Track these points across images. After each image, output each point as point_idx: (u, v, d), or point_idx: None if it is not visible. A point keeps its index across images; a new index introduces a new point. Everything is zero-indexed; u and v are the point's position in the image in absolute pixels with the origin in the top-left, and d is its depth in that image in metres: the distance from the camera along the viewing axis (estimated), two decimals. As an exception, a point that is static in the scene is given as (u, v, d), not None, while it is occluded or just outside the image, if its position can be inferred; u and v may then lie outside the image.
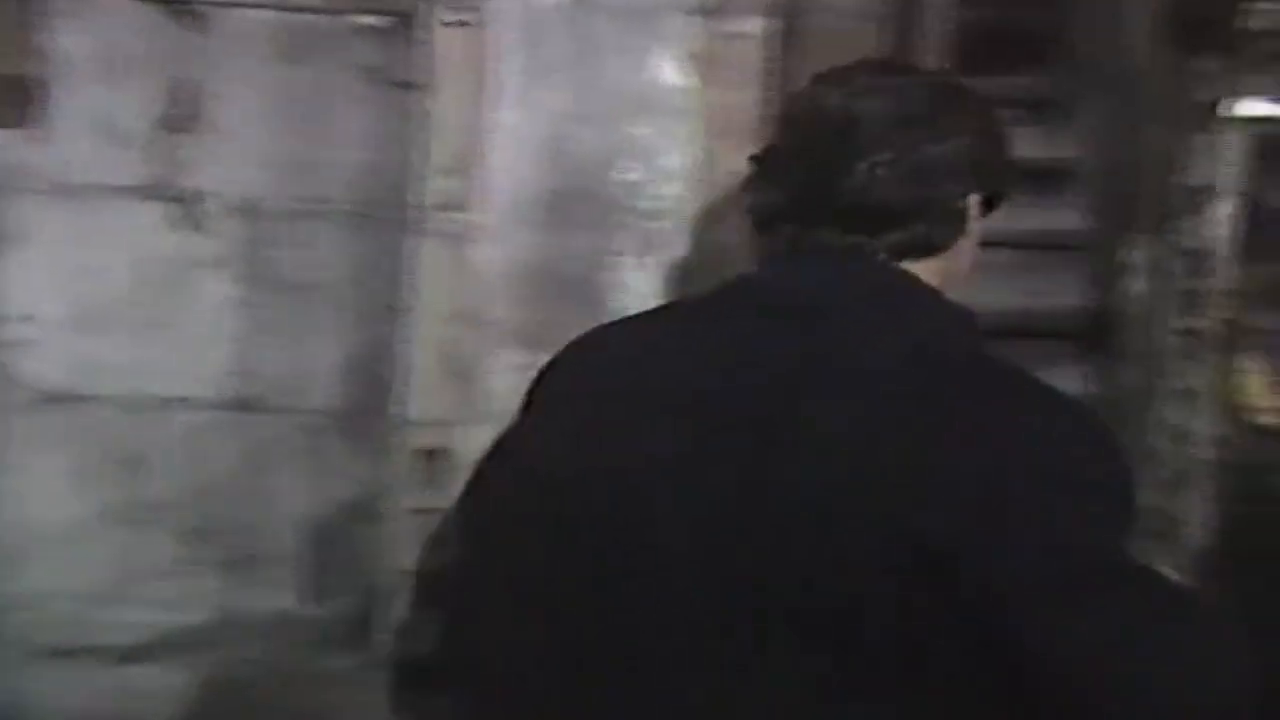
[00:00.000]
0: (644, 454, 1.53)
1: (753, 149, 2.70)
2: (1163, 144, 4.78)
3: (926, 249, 1.62)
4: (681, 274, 2.68)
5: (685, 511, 1.47)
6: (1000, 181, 1.74)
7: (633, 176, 2.66)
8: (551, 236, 2.67)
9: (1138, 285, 4.68)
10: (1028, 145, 5.27)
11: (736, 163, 2.73)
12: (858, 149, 1.58)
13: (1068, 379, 4.49)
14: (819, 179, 1.60)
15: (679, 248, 2.66)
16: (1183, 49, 4.62)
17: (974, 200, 1.66)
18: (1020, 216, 5.17)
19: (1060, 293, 4.74)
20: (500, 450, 1.80)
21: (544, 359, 2.76)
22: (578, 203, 2.66)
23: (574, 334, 2.76)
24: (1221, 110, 4.51)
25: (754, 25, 2.63)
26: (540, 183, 2.66)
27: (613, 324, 1.86)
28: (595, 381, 1.74)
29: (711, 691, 1.43)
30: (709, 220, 2.68)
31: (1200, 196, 3.30)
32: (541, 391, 1.88)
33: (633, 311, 2.70)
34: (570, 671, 1.50)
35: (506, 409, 2.75)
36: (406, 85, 2.72)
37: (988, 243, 4.88)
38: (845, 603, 1.38)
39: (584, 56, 2.63)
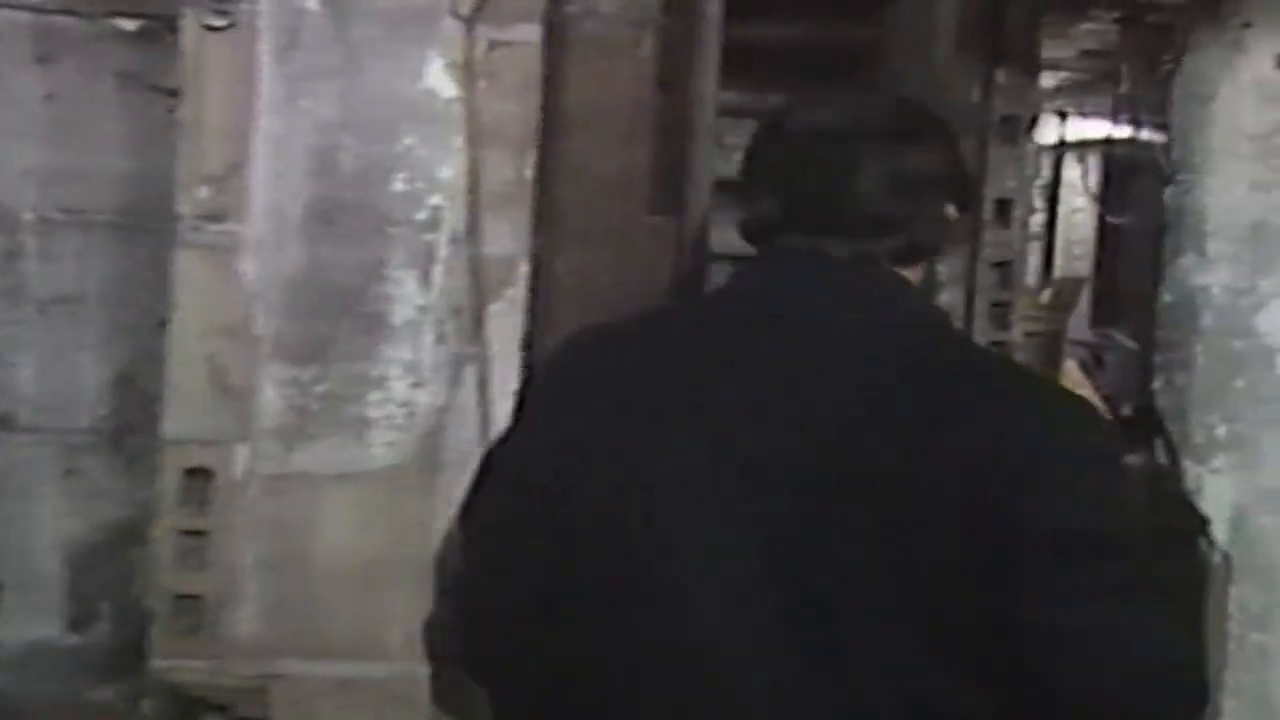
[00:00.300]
0: (682, 461, 1.59)
1: (525, 158, 2.70)
2: (968, 157, 4.88)
3: (918, 255, 1.73)
4: (456, 286, 2.64)
5: (732, 513, 1.54)
6: (966, 193, 1.84)
7: (402, 187, 2.58)
8: (320, 248, 2.58)
9: (945, 298, 4.76)
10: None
11: (510, 172, 2.71)
12: (855, 162, 1.67)
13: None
14: (820, 191, 1.68)
15: (452, 259, 2.60)
16: (986, 63, 4.72)
17: (950, 209, 1.73)
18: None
19: None
20: (506, 455, 1.77)
21: (314, 374, 2.73)
22: (346, 214, 2.58)
23: (345, 349, 2.70)
24: (1024, 124, 4.61)
25: (526, 32, 2.58)
26: (307, 193, 2.57)
27: (608, 329, 1.82)
28: (612, 385, 1.72)
29: (770, 683, 1.53)
30: (483, 231, 2.64)
31: (1005, 209, 3.32)
32: (544, 396, 1.83)
33: (416, 323, 2.68)
34: (607, 672, 1.57)
35: (275, 426, 2.69)
36: (167, 91, 2.63)
37: None
38: (912, 583, 1.51)
39: (349, 63, 2.54)
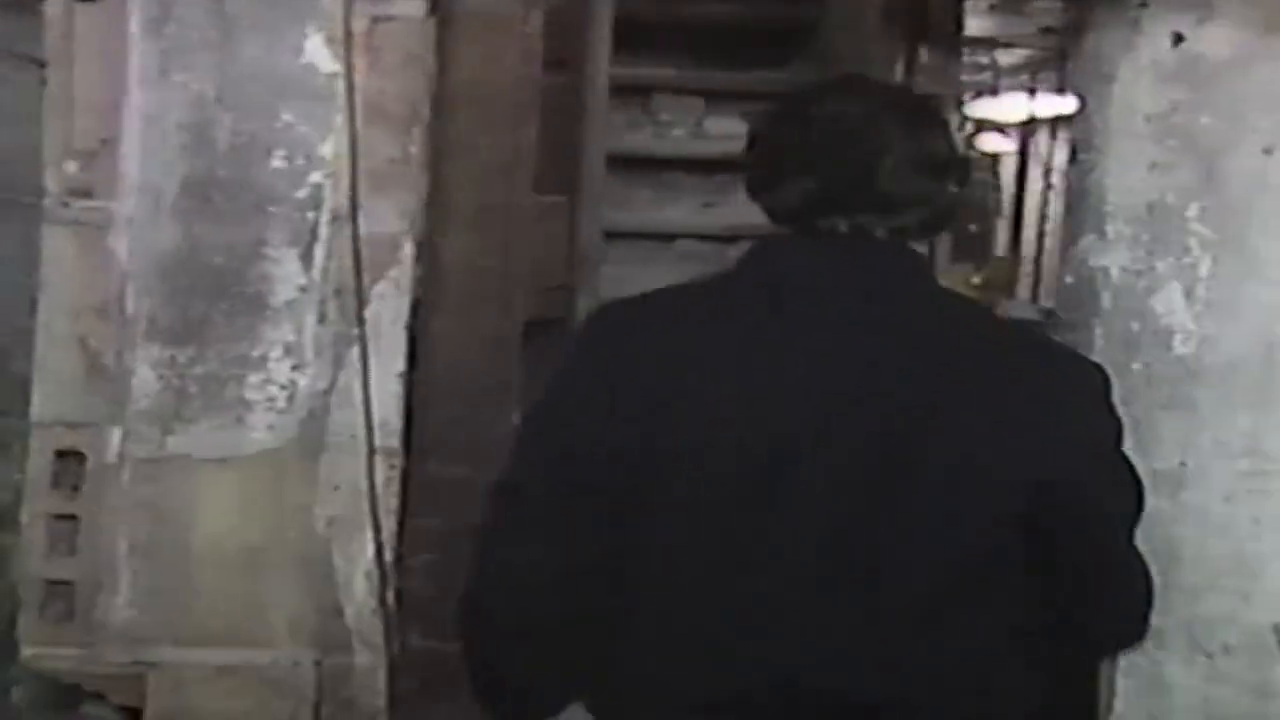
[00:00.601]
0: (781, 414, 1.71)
1: (409, 136, 2.65)
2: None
3: (936, 230, 1.87)
4: (337, 266, 2.58)
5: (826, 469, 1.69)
6: (966, 172, 1.96)
7: (281, 164, 2.52)
8: (196, 226, 2.52)
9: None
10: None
11: (393, 150, 2.65)
12: (887, 144, 1.78)
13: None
14: (857, 172, 1.78)
15: (334, 238, 2.53)
16: (909, 43, 4.69)
17: (954, 188, 1.86)
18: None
19: None
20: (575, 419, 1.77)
21: (190, 355, 2.66)
22: (223, 191, 2.52)
23: (223, 329, 2.62)
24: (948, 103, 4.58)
25: (409, 7, 2.52)
26: (182, 170, 2.51)
27: (662, 298, 1.83)
28: (695, 346, 1.77)
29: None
30: (366, 210, 2.58)
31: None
32: (618, 350, 1.79)
33: (297, 303, 2.62)
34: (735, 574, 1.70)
35: (150, 409, 2.63)
36: (38, 62, 2.58)
37: (732, 237, 4.98)
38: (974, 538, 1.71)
39: (225, 36, 2.48)
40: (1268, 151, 2.50)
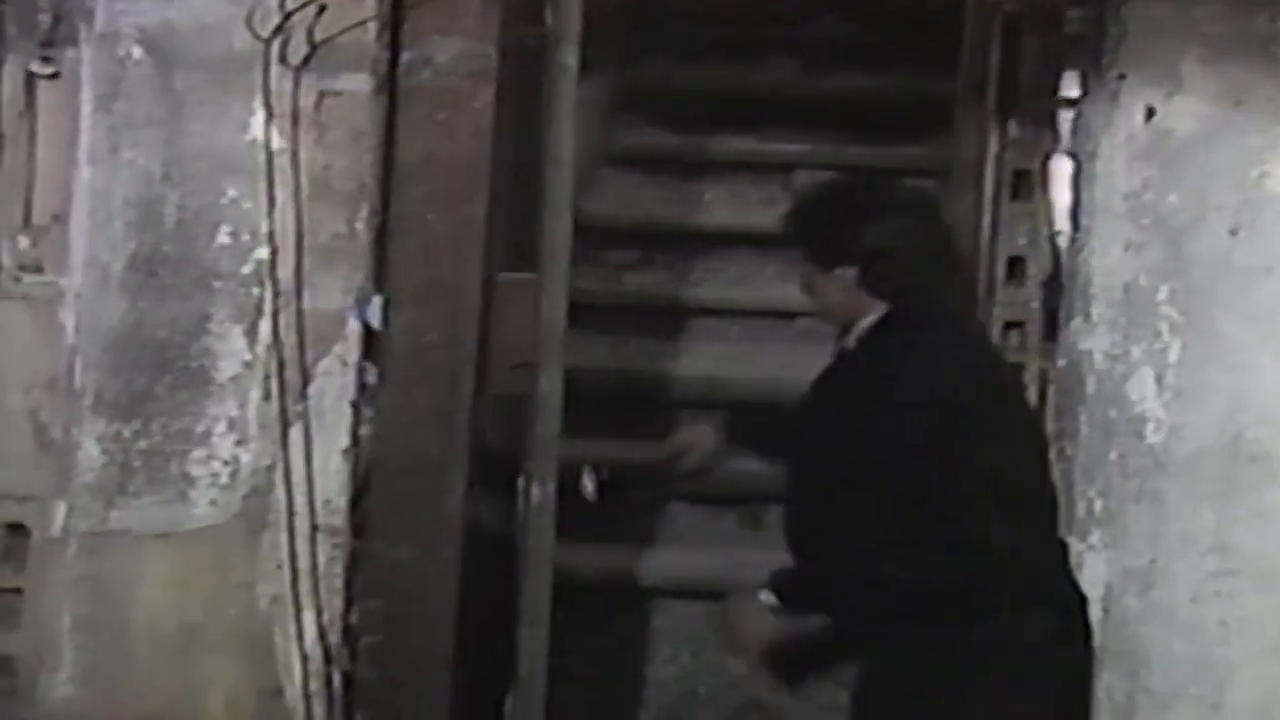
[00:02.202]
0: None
1: (356, 212, 2.66)
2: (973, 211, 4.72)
3: None
4: (283, 342, 2.60)
5: None
6: None
7: (227, 240, 2.51)
8: (142, 301, 2.50)
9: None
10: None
11: (339, 225, 2.63)
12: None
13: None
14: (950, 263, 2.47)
15: (279, 314, 2.52)
16: (999, 114, 4.57)
17: None
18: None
19: None
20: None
21: (135, 430, 2.69)
22: (169, 266, 2.51)
23: (167, 404, 2.53)
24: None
25: (355, 82, 2.49)
26: (129, 245, 2.50)
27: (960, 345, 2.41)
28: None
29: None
30: (312, 285, 2.60)
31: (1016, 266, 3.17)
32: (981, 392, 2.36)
33: (241, 379, 2.65)
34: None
35: (95, 482, 2.63)
36: (-6, 138, 2.59)
37: None
38: None
39: (172, 113, 2.48)
40: (1233, 232, 2.39)
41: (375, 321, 2.55)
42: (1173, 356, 2.43)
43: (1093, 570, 2.52)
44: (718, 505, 4.43)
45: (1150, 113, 2.44)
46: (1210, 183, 2.37)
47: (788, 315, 4.79)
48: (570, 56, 2.65)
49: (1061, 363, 2.67)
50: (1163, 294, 2.43)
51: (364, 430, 2.58)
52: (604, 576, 4.14)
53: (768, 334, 4.79)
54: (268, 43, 2.46)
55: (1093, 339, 2.58)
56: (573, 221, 4.79)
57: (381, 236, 2.56)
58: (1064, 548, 2.48)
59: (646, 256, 5.03)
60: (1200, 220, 2.38)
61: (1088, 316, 2.58)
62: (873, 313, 2.58)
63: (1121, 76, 2.48)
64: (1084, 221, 2.60)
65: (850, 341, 2.74)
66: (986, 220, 4.27)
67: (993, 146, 4.38)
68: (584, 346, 4.58)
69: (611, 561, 4.17)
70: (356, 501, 2.59)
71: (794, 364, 4.62)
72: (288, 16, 2.44)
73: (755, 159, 5.23)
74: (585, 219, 4.96)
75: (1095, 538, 2.54)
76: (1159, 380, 2.45)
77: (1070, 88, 2.63)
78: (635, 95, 5.49)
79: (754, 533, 4.40)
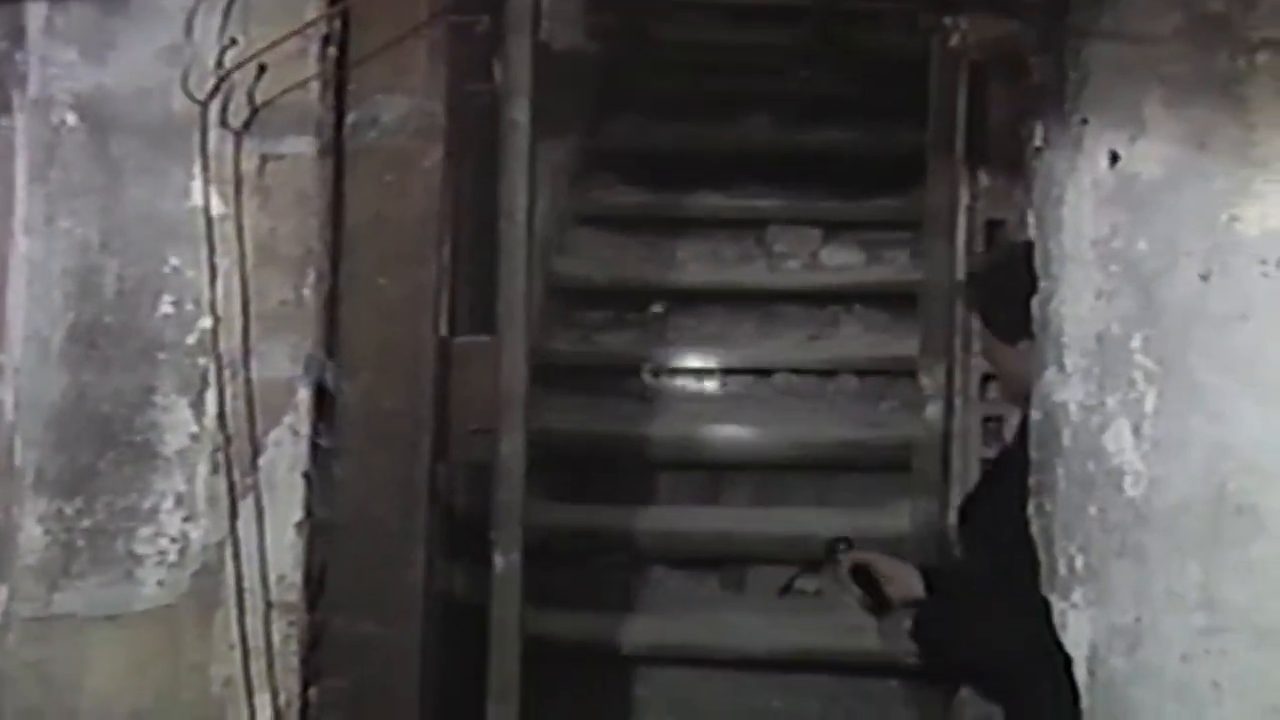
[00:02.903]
0: None
1: (304, 277, 2.59)
2: (946, 263, 4.66)
3: None
4: (230, 413, 2.52)
5: None
6: None
7: (170, 309, 2.43)
8: (83, 375, 2.42)
9: (933, 412, 4.53)
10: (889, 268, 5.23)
11: (287, 292, 2.55)
12: None
13: (897, 515, 4.36)
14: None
15: (226, 385, 2.43)
16: (970, 164, 4.52)
17: None
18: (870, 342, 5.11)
19: (901, 423, 4.61)
20: None
21: (78, 508, 2.58)
22: (110, 338, 2.42)
23: (111, 480, 2.42)
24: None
25: (299, 145, 2.42)
26: (69, 317, 2.43)
27: None
28: None
29: None
30: (259, 354, 2.52)
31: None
32: None
33: (188, 452, 2.56)
34: None
35: (37, 564, 2.45)
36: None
37: (832, 370, 4.82)
38: None
39: (111, 180, 2.41)
40: (1204, 278, 2.32)
41: (333, 385, 2.47)
42: (1149, 406, 2.34)
43: (1076, 629, 2.44)
44: (698, 568, 4.37)
45: (1115, 157, 2.36)
46: (1179, 228, 2.29)
47: (765, 372, 4.75)
48: (521, 112, 2.60)
49: (1036, 415, 2.58)
50: (1136, 342, 2.35)
51: (318, 502, 2.48)
52: (583, 643, 4.07)
53: (745, 391, 4.75)
54: (204, 105, 2.39)
55: (1067, 390, 2.49)
56: (544, 282, 4.80)
57: (331, 301, 2.48)
58: (1047, 606, 2.42)
59: (619, 316, 4.99)
60: (1171, 266, 2.30)
61: (1061, 367, 2.50)
62: None
63: (1084, 121, 2.41)
64: (1053, 270, 2.52)
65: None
66: (961, 271, 4.24)
67: (964, 197, 4.36)
68: (557, 408, 4.55)
69: (590, 628, 4.10)
70: (311, 576, 2.49)
71: (773, 421, 4.60)
72: (224, 78, 2.37)
73: (729, 215, 5.21)
74: (558, 279, 4.94)
75: (1078, 595, 2.45)
76: (1136, 431, 2.36)
77: (1037, 135, 2.56)
78: (607, 153, 5.46)
79: (737, 595, 4.33)
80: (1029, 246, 2.63)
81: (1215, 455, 2.28)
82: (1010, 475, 2.69)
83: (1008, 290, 2.67)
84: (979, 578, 2.84)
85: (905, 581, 2.95)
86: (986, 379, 4.27)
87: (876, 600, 2.91)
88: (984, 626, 2.77)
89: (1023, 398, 2.62)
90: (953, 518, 3.57)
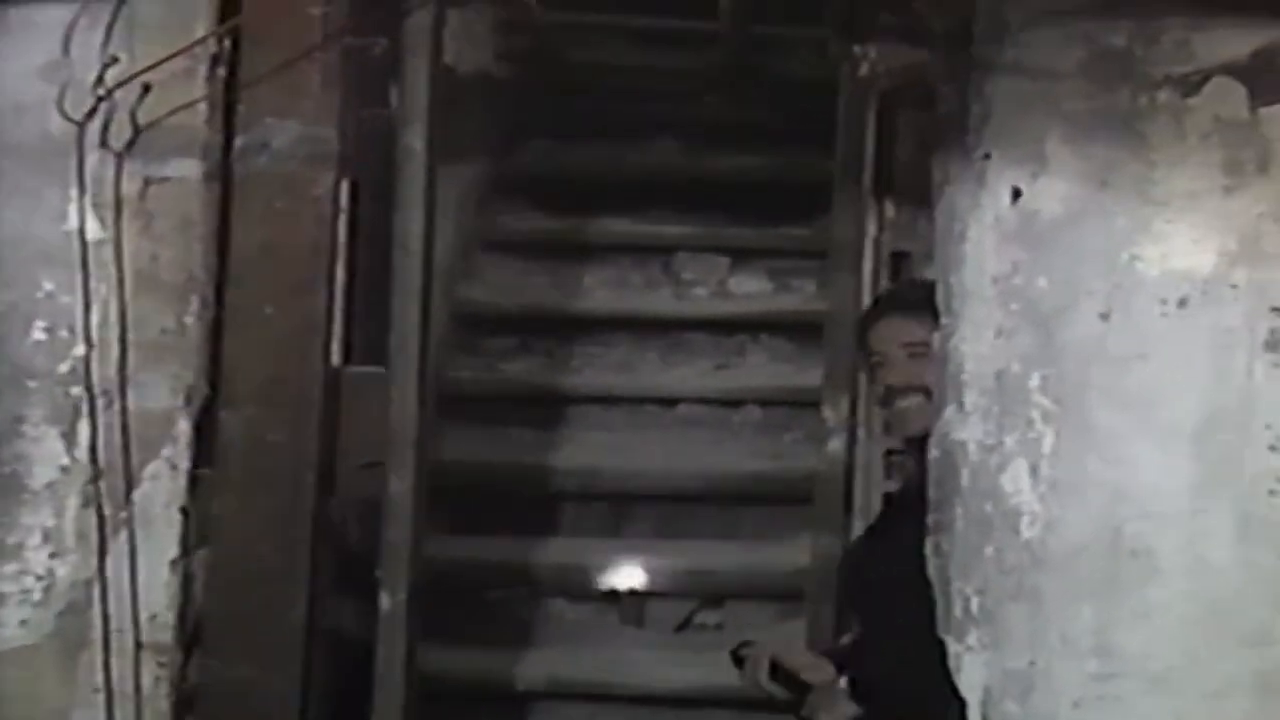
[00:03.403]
0: None
1: (186, 305, 2.52)
2: (851, 295, 4.64)
3: None
4: (104, 445, 2.44)
5: None
6: None
7: (42, 336, 2.36)
8: None
9: (835, 445, 4.51)
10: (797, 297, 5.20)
11: (167, 320, 2.44)
12: None
13: (798, 549, 4.31)
14: None
15: (99, 416, 2.35)
16: (877, 195, 4.51)
17: None
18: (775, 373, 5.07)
19: (805, 455, 4.57)
20: None
21: None
22: None
23: None
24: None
25: (184, 168, 2.36)
26: None
27: None
28: None
29: None
30: (136, 384, 2.44)
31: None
32: None
33: (58, 485, 2.48)
34: None
35: None
36: None
37: (737, 401, 4.77)
38: None
39: None
40: (1104, 317, 2.31)
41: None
42: (1047, 447, 2.32)
43: (971, 673, 2.41)
44: (598, 601, 4.32)
45: (1016, 194, 2.34)
46: (1080, 266, 2.28)
47: (669, 402, 4.71)
48: (418, 139, 2.54)
49: (935, 453, 2.56)
50: (1035, 381, 2.33)
51: (195, 539, 2.40)
52: (479, 680, 4.01)
53: (649, 422, 4.71)
54: (82, 125, 2.31)
55: (966, 429, 2.46)
56: (447, 309, 4.73)
57: (215, 331, 2.41)
58: (943, 648, 2.39)
59: (525, 343, 4.93)
60: (1071, 305, 2.28)
61: (960, 405, 2.47)
62: None
63: (987, 156, 2.39)
64: (954, 306, 2.49)
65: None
66: (866, 304, 4.22)
67: (871, 228, 4.34)
68: (459, 437, 4.48)
69: (487, 664, 4.03)
70: (186, 616, 2.41)
71: (676, 452, 4.56)
72: (102, 98, 2.30)
73: (636, 241, 5.17)
74: (461, 305, 4.88)
75: (973, 638, 2.43)
76: (1034, 472, 2.33)
77: (940, 168, 2.54)
78: (515, 177, 5.41)
79: (636, 629, 4.28)
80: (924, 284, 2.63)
81: (1112, 498, 2.26)
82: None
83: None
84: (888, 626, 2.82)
85: (819, 666, 2.92)
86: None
87: (798, 690, 2.87)
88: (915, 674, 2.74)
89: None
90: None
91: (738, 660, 2.95)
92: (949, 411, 2.50)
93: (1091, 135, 2.30)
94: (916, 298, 3.26)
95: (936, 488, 2.54)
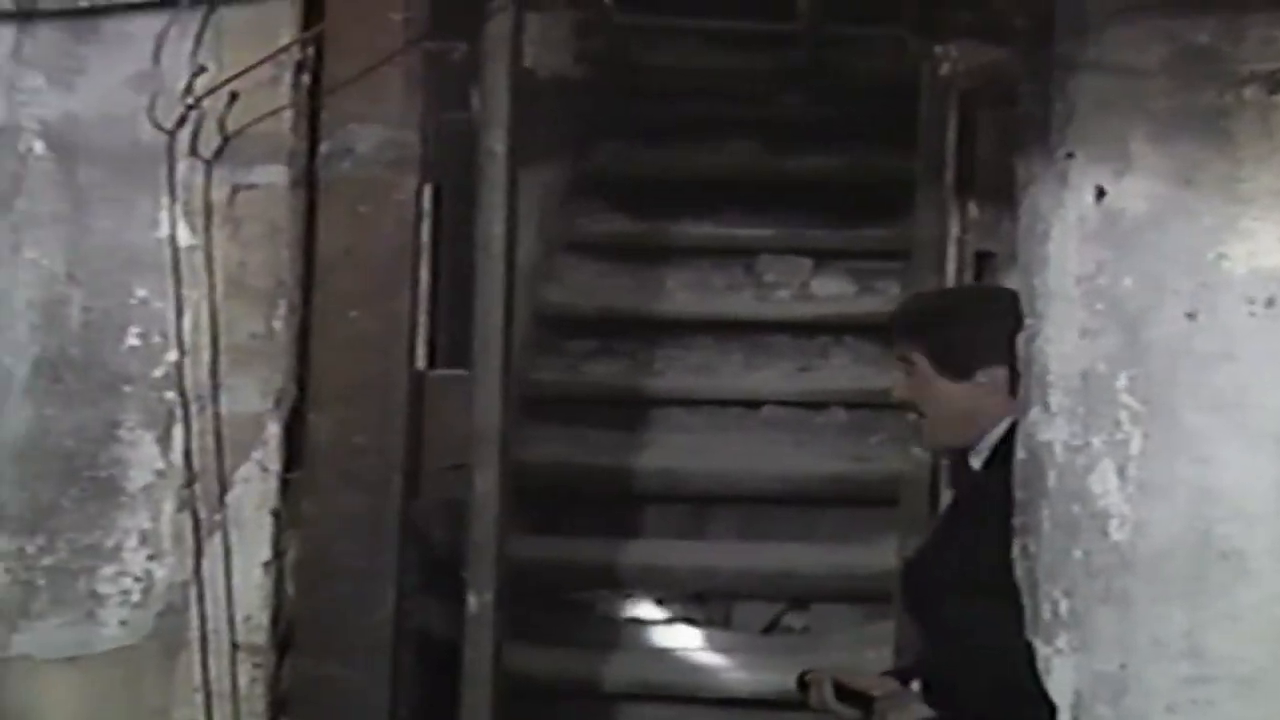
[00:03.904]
0: None
1: (274, 310, 2.53)
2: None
3: None
4: (198, 448, 2.50)
5: None
6: None
7: (136, 342, 2.41)
8: (46, 409, 2.41)
9: (915, 451, 4.50)
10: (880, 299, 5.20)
11: (256, 325, 2.50)
12: None
13: (884, 551, 4.31)
14: None
15: (194, 419, 2.41)
16: (959, 195, 4.49)
17: None
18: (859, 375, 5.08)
19: (890, 457, 4.57)
20: None
21: (39, 546, 2.47)
22: (75, 371, 2.41)
23: (74, 517, 2.41)
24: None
25: (271, 174, 2.40)
26: (32, 350, 2.41)
27: None
28: None
29: None
30: (228, 388, 2.50)
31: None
32: None
33: (153, 488, 2.54)
34: None
35: None
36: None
37: (820, 403, 4.78)
38: None
39: (78, 209, 2.39)
40: (1190, 317, 2.30)
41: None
42: (1134, 448, 2.32)
43: (1061, 676, 2.41)
44: (683, 602, 4.34)
45: (1100, 193, 2.34)
46: (1165, 265, 2.27)
47: (752, 404, 4.73)
48: (499, 142, 2.58)
49: (1022, 455, 2.56)
50: (1122, 382, 2.33)
51: (286, 540, 2.45)
52: (563, 681, 4.04)
53: (731, 424, 4.73)
54: (172, 134, 2.37)
55: (1052, 430, 2.46)
56: (530, 310, 4.77)
57: (302, 335, 2.46)
58: (1031, 651, 2.40)
59: (607, 345, 4.97)
60: (1157, 305, 2.28)
61: (1046, 406, 2.48)
62: (1000, 424, 2.73)
63: (1070, 155, 2.39)
64: (1038, 307, 2.50)
65: (978, 460, 2.83)
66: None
67: (953, 228, 4.33)
68: (541, 440, 4.52)
69: (571, 665, 4.07)
70: (279, 617, 2.46)
71: (759, 454, 4.57)
72: (191, 107, 2.35)
73: (717, 244, 5.19)
74: (543, 308, 4.92)
75: (1062, 641, 2.43)
76: (1121, 473, 2.33)
77: (1023, 167, 2.55)
78: (593, 179, 5.45)
79: (723, 631, 4.30)
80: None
81: (1200, 499, 2.25)
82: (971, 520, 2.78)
83: (969, 323, 2.69)
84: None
85: (882, 682, 2.93)
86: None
87: (865, 706, 2.89)
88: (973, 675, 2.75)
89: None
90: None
91: (803, 686, 2.97)
92: (1034, 412, 2.50)
93: (1176, 133, 2.30)
94: (902, 316, 3.26)
95: (1023, 489, 2.55)
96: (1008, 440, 2.87)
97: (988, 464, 2.97)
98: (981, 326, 2.60)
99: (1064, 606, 2.43)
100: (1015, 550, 2.57)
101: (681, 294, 5.10)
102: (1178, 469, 2.27)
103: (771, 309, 5.04)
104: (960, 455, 3.05)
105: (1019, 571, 2.56)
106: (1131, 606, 2.33)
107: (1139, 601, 2.32)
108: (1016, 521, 2.59)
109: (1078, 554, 2.42)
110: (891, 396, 3.01)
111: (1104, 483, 2.38)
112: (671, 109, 5.59)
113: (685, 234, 5.22)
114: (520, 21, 2.67)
